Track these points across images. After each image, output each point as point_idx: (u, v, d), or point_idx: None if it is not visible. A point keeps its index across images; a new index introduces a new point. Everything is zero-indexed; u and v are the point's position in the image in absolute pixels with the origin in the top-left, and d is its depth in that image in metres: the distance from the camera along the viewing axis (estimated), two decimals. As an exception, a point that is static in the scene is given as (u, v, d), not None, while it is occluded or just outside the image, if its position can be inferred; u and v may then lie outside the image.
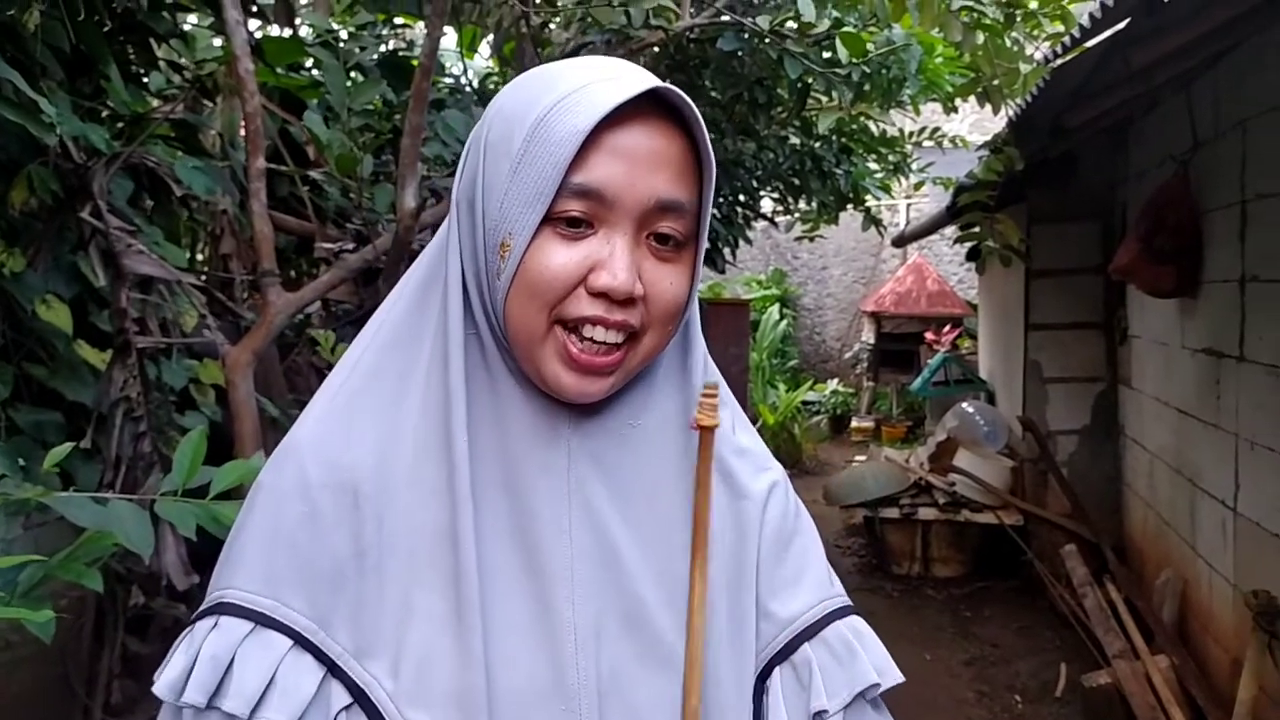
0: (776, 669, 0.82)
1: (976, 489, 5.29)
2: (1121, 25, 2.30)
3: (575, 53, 3.32)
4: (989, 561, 5.38)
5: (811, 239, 6.11)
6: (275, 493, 0.77)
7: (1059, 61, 2.58)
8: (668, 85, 0.72)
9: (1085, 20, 2.34)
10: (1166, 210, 3.58)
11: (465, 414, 0.75)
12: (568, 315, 0.74)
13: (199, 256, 2.96)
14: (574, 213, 0.72)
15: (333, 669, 0.73)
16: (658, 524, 0.80)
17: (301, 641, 0.73)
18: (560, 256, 0.73)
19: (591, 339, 0.74)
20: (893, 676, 0.84)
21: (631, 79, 0.73)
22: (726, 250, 4.94)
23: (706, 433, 0.75)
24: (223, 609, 0.74)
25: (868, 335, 10.04)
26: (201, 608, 0.75)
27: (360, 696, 0.73)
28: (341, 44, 2.74)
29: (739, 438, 0.87)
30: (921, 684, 4.11)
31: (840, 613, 0.86)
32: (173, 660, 0.73)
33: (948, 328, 8.55)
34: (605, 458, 0.80)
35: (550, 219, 0.72)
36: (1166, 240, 3.56)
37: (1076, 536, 4.65)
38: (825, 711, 0.81)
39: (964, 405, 5.87)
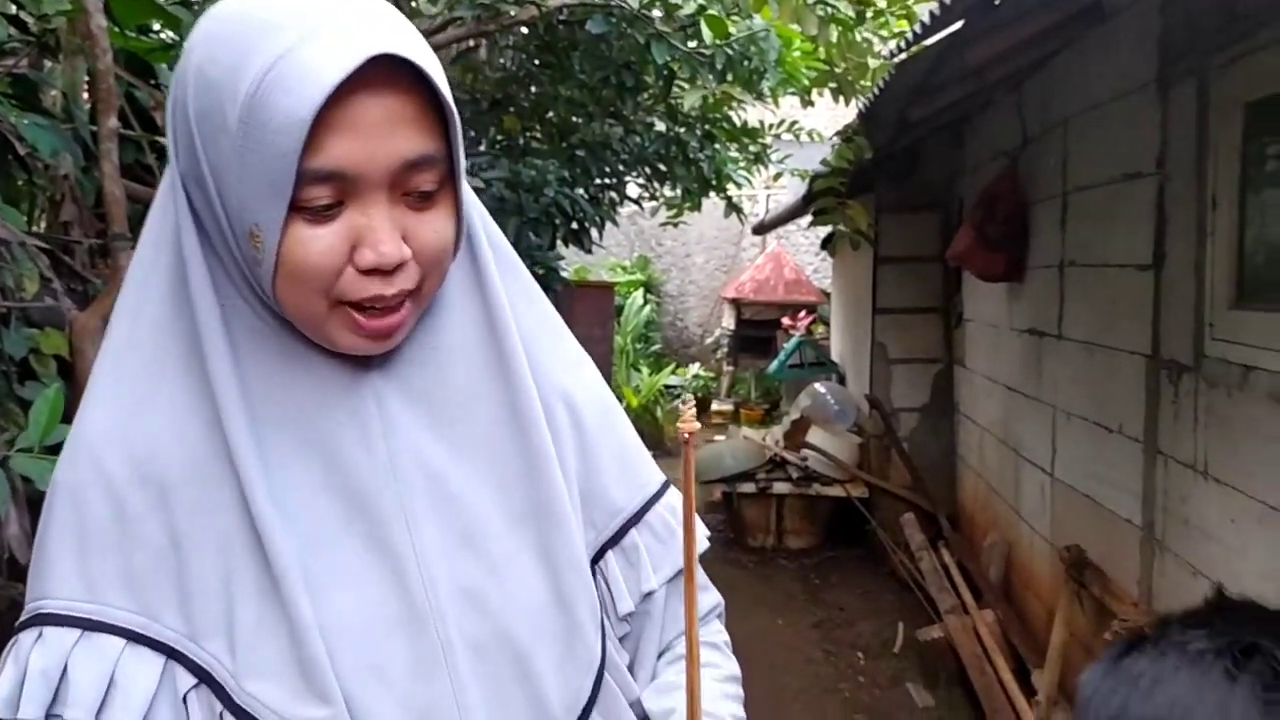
0: (609, 553, 0.89)
1: (827, 464, 5.58)
2: (958, 25, 2.50)
3: (443, 29, 3.32)
4: (837, 532, 5.68)
5: (675, 225, 6.26)
6: (76, 493, 0.75)
7: (902, 57, 2.77)
8: (389, 41, 0.68)
9: (926, 18, 2.53)
10: (998, 201, 3.88)
11: (237, 390, 0.74)
12: (345, 298, 0.73)
13: (38, 225, 2.82)
14: (320, 200, 0.69)
15: (172, 654, 0.73)
16: (481, 439, 0.82)
17: (135, 638, 0.73)
18: (318, 244, 0.71)
19: (374, 308, 0.74)
20: (702, 544, 0.93)
21: (347, 36, 0.67)
22: (594, 231, 5.03)
23: (688, 442, 0.77)
24: (44, 619, 0.72)
25: (728, 321, 10.34)
26: (22, 618, 0.74)
27: (204, 676, 0.74)
28: (196, 6, 2.66)
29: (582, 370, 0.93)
30: (774, 646, 4.33)
31: (659, 494, 0.93)
32: (2, 675, 0.72)
33: (803, 314, 8.91)
34: (413, 387, 0.81)
35: (297, 206, 0.69)
36: (997, 229, 3.86)
37: (915, 506, 4.99)
38: (653, 591, 0.89)
39: (816, 386, 6.16)
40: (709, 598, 0.99)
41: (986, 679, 3.46)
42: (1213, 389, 2.37)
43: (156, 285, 0.77)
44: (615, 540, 0.89)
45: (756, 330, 9.72)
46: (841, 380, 6.82)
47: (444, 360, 0.83)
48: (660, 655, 0.94)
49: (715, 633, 0.99)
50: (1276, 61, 2.10)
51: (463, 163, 0.76)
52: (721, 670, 0.95)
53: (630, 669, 0.91)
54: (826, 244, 7.18)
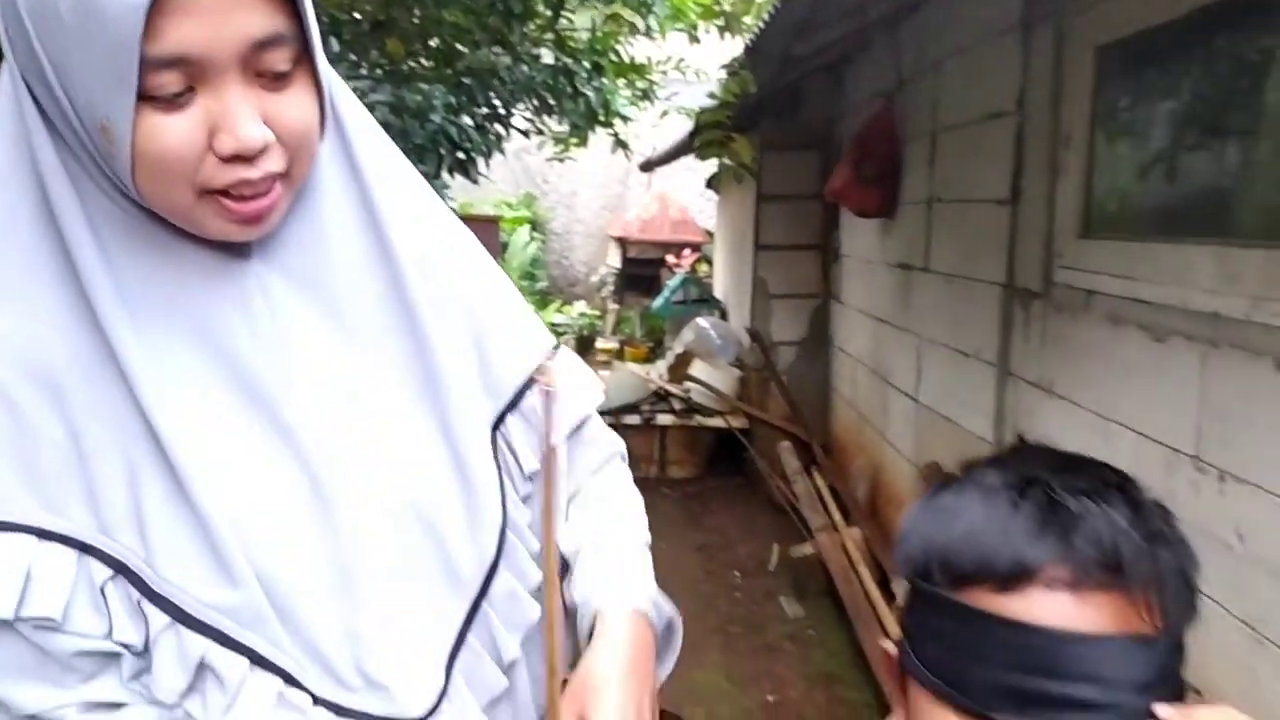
0: (509, 417, 0.93)
1: (709, 396, 5.76)
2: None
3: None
4: (718, 461, 5.89)
5: (562, 160, 6.24)
6: None
7: (787, -9, 2.85)
8: None
9: (809, -47, 2.61)
10: (873, 140, 4.05)
11: (112, 289, 0.74)
12: (211, 186, 0.73)
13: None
14: (168, 87, 0.68)
15: (85, 549, 0.74)
16: (368, 319, 0.84)
17: (45, 534, 0.73)
18: (172, 135, 0.70)
19: (242, 195, 0.74)
20: (598, 394, 1.01)
21: None
22: (481, 162, 4.98)
23: (548, 397, 0.80)
24: None
25: (614, 260, 10.40)
26: None
27: (120, 568, 0.75)
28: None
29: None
30: (658, 568, 4.46)
31: (550, 355, 0.98)
32: None
33: (687, 252, 9.05)
34: (295, 271, 0.82)
35: (145, 96, 0.68)
36: (872, 167, 4.03)
37: (792, 435, 5.21)
38: (554, 448, 0.95)
39: (700, 321, 6.31)
40: (607, 444, 1.06)
41: (852, 589, 3.70)
42: (1059, 313, 2.58)
43: (15, 190, 0.75)
44: (513, 405, 0.94)
45: (642, 269, 9.81)
46: (724, 316, 7.00)
47: (323, 243, 0.83)
48: (569, 503, 1.02)
49: (617, 472, 1.07)
50: (1123, 8, 2.27)
51: (317, 40, 0.75)
52: (626, 515, 1.03)
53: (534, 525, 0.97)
54: (712, 183, 7.30)
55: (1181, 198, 2.12)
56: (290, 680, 0.80)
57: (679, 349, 6.27)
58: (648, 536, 1.03)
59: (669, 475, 5.92)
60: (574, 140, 5.77)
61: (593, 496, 1.04)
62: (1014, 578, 0.64)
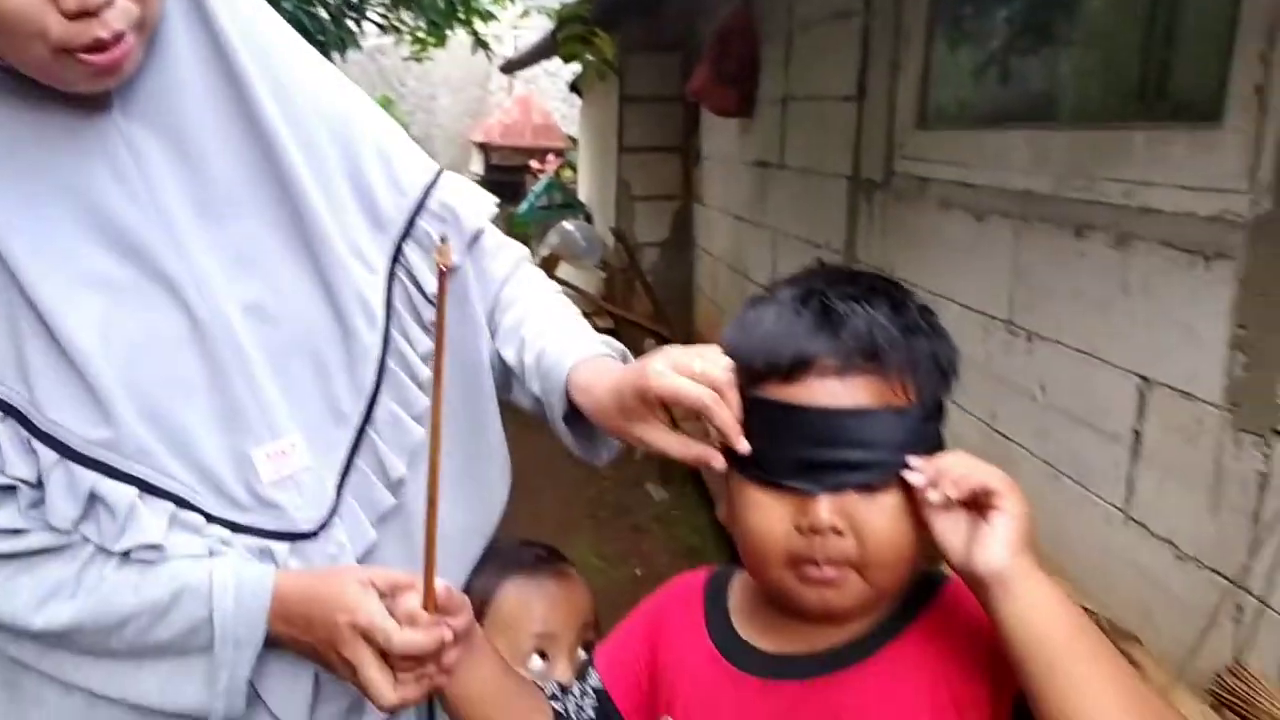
0: (404, 245, 0.99)
1: (575, 298, 5.86)
2: None
3: None
4: (585, 363, 6.03)
5: (420, 61, 6.09)
6: None
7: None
8: None
9: None
10: (732, 39, 4.14)
11: None
12: (65, 45, 0.74)
13: None
14: None
15: None
16: (233, 166, 0.88)
17: None
18: None
19: (93, 42, 0.75)
20: (488, 208, 1.05)
21: None
22: (336, 55, 4.82)
23: (444, 276, 0.79)
24: None
25: (476, 166, 10.23)
26: None
27: (7, 409, 0.80)
28: None
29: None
30: (524, 459, 4.58)
31: (435, 181, 1.02)
32: None
33: (551, 157, 9.00)
34: (156, 122, 0.85)
35: None
36: (731, 66, 4.14)
37: (656, 334, 5.40)
38: (454, 267, 1.00)
39: (565, 224, 6.36)
40: (510, 251, 1.11)
41: (714, 470, 3.94)
42: (899, 201, 2.78)
43: None
44: (406, 233, 0.99)
45: (505, 175, 9.69)
46: (589, 220, 7.06)
47: (179, 92, 0.86)
48: (492, 314, 1.07)
49: (528, 273, 1.13)
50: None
51: None
52: (553, 303, 1.09)
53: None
54: (575, 86, 7.26)
55: (1003, 89, 2.32)
56: (184, 504, 0.87)
57: (544, 252, 6.31)
58: (578, 313, 1.09)
59: (537, 376, 6.03)
60: (432, 39, 5.64)
61: (515, 299, 1.08)
62: (794, 370, 0.78)
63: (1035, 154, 2.05)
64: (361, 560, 0.96)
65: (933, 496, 0.72)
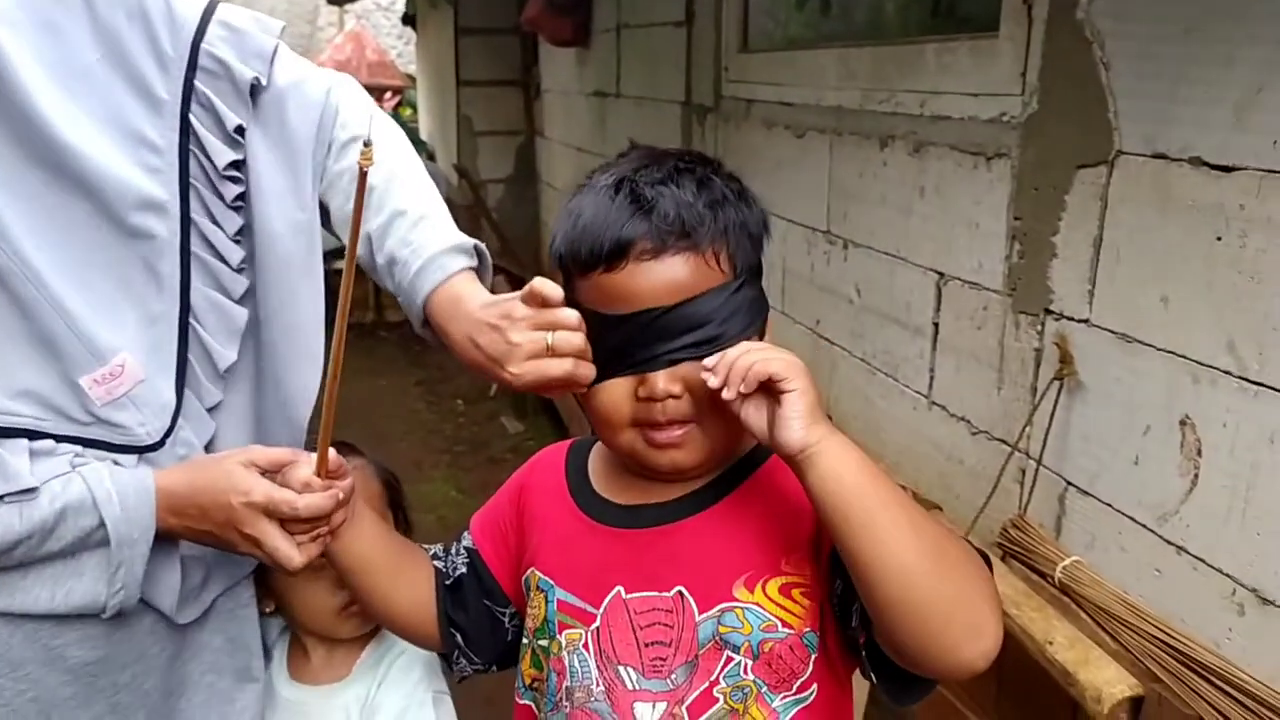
0: (195, 83, 0.95)
1: (421, 237, 5.76)
2: None
3: None
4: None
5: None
6: None
7: None
8: None
9: None
10: (564, -33, 4.13)
11: None
12: None
13: None
14: None
15: None
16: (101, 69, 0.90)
17: None
18: None
19: None
20: (276, 30, 1.02)
21: None
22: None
23: (363, 176, 0.78)
24: None
25: (310, 107, 9.78)
26: None
27: None
28: None
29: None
30: (379, 403, 4.60)
31: (209, 12, 0.97)
32: None
33: (389, 95, 8.71)
34: (25, 41, 0.86)
35: None
36: (564, -5, 4.13)
37: (505, 270, 5.39)
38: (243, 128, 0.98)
39: (406, 162, 6.21)
40: (315, 82, 1.05)
41: (567, 400, 4.02)
42: (727, 124, 2.88)
43: None
44: (188, 100, 0.95)
45: (342, 116, 9.34)
46: (432, 158, 6.92)
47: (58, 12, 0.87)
48: (329, 152, 1.03)
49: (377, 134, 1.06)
50: None
51: None
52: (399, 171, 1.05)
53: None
54: (408, 19, 7.04)
55: (815, 10, 2.43)
56: (35, 435, 0.90)
57: (387, 192, 6.16)
58: (414, 160, 1.08)
59: (386, 319, 5.92)
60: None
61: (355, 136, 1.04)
62: (614, 257, 0.83)
63: (844, 71, 2.17)
64: (209, 448, 1.00)
65: (727, 395, 0.78)
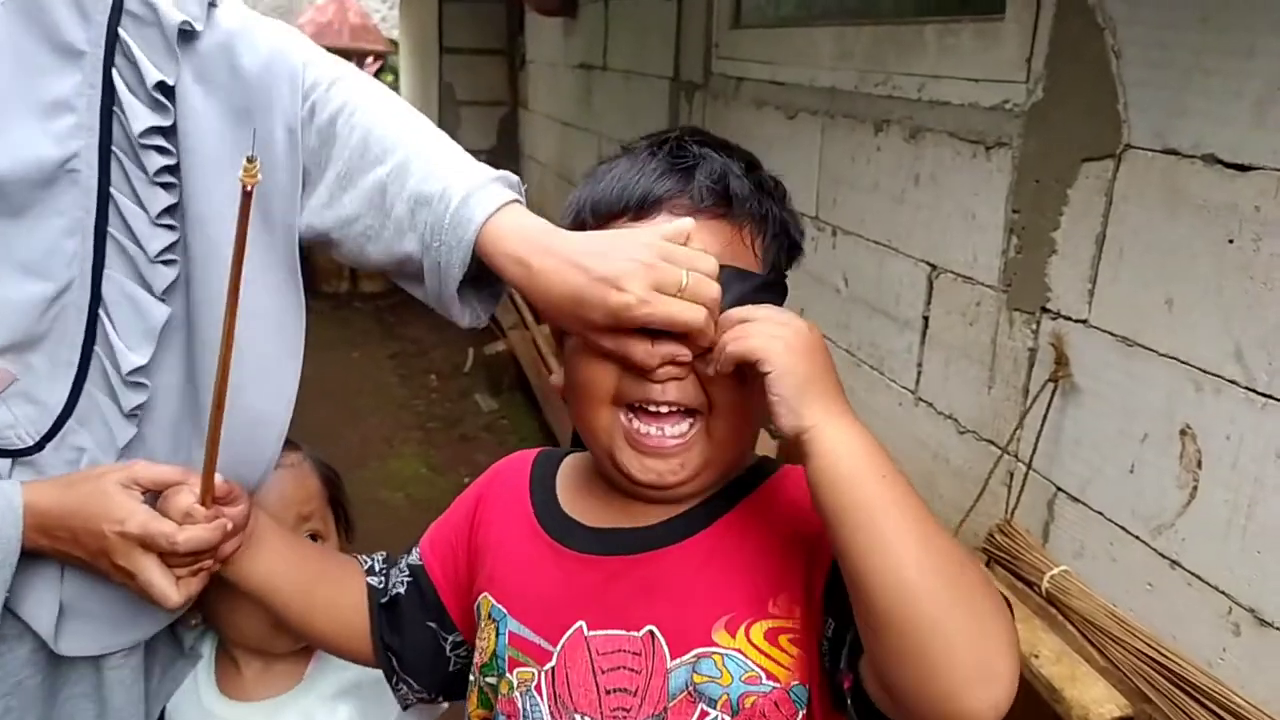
0: (120, 29, 0.82)
1: (399, 207, 5.64)
2: None
3: None
4: (412, 276, 5.85)
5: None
6: None
7: None
8: None
9: None
10: (553, -66, 4.01)
11: None
12: None
13: None
14: None
15: None
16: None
17: None
18: None
19: None
20: None
21: None
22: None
23: (248, 197, 0.67)
24: None
25: (290, 69, 9.59)
26: None
27: None
28: None
29: None
30: (351, 376, 4.49)
31: None
32: None
33: (371, 59, 8.54)
34: None
35: None
36: (552, -37, 4.01)
37: (485, 244, 5.29)
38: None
39: (386, 130, 6.07)
40: (325, 68, 0.90)
41: (542, 379, 3.93)
42: (715, 101, 2.79)
43: None
44: (110, 54, 0.81)
45: (322, 80, 9.15)
46: (412, 128, 6.78)
47: None
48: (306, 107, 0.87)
49: (361, 81, 0.92)
50: None
51: None
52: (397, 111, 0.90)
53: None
54: (392, -17, 6.86)
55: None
56: None
57: (365, 160, 6.03)
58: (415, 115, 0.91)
59: (361, 290, 5.81)
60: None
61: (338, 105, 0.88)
62: (645, 207, 0.75)
63: (840, 51, 2.09)
64: (123, 455, 0.88)
65: (708, 370, 0.70)
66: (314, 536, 1.05)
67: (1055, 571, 1.44)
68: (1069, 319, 1.47)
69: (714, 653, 0.72)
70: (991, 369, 1.65)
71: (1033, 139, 1.53)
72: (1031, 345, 1.55)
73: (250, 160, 0.65)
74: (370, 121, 0.87)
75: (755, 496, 0.79)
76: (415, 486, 3.45)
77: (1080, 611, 1.39)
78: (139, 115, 0.82)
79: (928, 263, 1.81)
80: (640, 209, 0.75)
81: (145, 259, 0.84)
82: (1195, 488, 1.26)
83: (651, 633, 0.74)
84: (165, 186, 0.84)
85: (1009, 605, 0.66)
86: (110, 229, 0.83)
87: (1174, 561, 1.30)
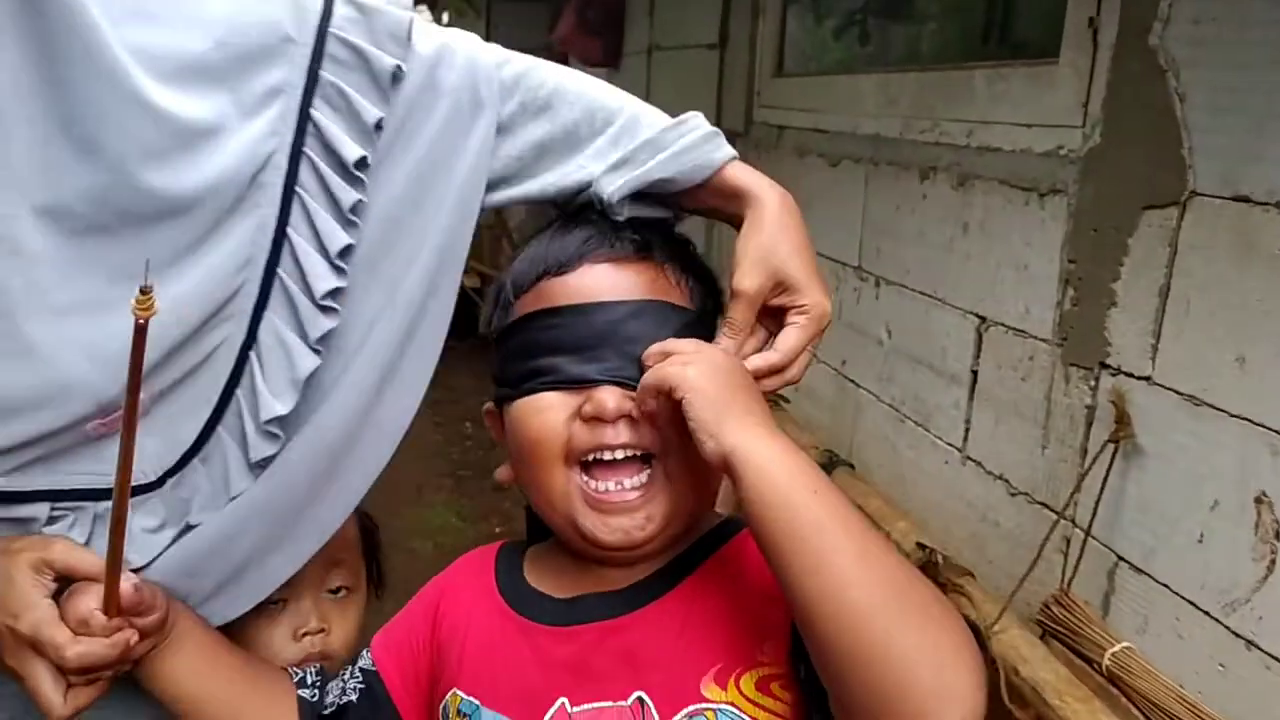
0: (315, 99, 0.77)
1: (440, 255, 5.67)
2: None
3: None
4: (455, 323, 5.85)
5: None
6: None
7: None
8: None
9: None
10: (598, -13, 4.05)
11: None
12: None
13: None
14: None
15: None
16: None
17: None
18: None
19: None
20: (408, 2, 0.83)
21: None
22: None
23: (141, 330, 0.61)
24: None
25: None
26: None
27: None
28: None
29: None
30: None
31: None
32: None
33: (419, 112, 8.70)
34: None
35: None
36: (597, 14, 4.04)
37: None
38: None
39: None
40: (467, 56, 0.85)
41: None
42: (757, 150, 2.75)
43: None
44: (312, 84, 0.76)
45: (371, 130, 9.33)
46: (456, 177, 6.85)
47: None
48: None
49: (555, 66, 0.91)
50: None
51: None
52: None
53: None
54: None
55: (854, 34, 2.31)
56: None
57: (409, 208, 6.09)
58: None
59: (401, 336, 5.83)
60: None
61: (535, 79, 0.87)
62: (566, 263, 0.74)
63: (884, 98, 2.04)
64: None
65: (645, 406, 0.70)
66: (341, 589, 0.99)
67: (1117, 648, 1.33)
68: (1130, 375, 1.38)
69: (706, 709, 0.68)
70: (1046, 427, 1.55)
71: (1090, 186, 1.45)
72: (1089, 403, 1.46)
73: (144, 291, 0.58)
74: (584, 89, 0.89)
75: (729, 548, 0.75)
76: (445, 536, 3.39)
77: (1144, 692, 1.28)
78: (345, 144, 0.76)
79: (976, 315, 1.73)
80: (563, 264, 0.75)
81: (309, 303, 0.77)
82: (1274, 560, 1.16)
83: (640, 699, 0.69)
84: (348, 225, 0.77)
85: (964, 620, 0.62)
86: (280, 269, 0.76)
87: (1249, 641, 1.19)
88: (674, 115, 0.92)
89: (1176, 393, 1.30)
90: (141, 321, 0.59)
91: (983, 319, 1.71)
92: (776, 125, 2.62)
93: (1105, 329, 1.42)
